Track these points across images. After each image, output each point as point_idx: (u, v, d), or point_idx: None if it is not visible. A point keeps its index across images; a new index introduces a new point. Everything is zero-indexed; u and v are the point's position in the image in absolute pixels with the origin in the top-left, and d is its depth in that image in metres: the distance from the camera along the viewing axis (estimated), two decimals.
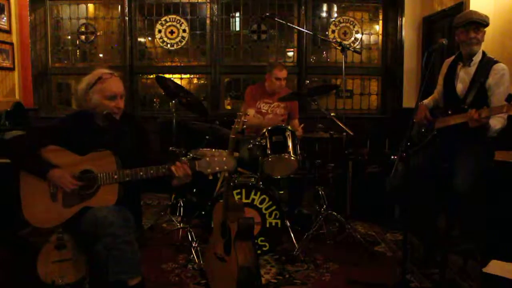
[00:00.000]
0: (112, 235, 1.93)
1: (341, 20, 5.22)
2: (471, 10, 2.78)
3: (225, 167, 2.08)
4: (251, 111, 3.71)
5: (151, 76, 5.18)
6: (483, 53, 2.71)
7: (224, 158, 2.08)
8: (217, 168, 2.07)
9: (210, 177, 2.13)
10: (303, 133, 3.48)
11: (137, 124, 2.37)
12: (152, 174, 2.09)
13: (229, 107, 5.34)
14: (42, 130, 2.25)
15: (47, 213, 2.08)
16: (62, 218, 2.08)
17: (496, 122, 2.51)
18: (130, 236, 2.00)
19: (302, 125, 3.55)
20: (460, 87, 2.75)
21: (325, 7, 5.28)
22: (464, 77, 2.75)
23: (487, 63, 2.66)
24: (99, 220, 1.97)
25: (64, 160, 2.11)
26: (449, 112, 2.69)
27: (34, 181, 2.09)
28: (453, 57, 2.88)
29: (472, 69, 2.70)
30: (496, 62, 2.66)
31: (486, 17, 2.65)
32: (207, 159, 2.08)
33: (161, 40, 5.17)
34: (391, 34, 5.18)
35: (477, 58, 2.70)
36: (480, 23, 2.62)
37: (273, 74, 3.74)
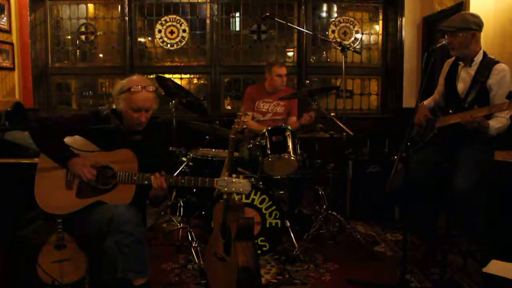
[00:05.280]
0: (126, 232, 1.94)
1: (341, 20, 5.21)
2: (456, 14, 2.75)
3: (241, 190, 2.12)
4: (249, 115, 3.70)
5: (151, 76, 5.16)
6: (484, 53, 2.71)
7: (242, 182, 2.12)
8: (233, 189, 2.12)
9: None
10: (312, 120, 3.48)
11: (159, 135, 2.40)
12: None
13: (229, 107, 5.34)
14: (71, 120, 2.31)
15: (59, 199, 2.09)
16: (72, 207, 2.09)
17: (496, 122, 2.52)
18: (143, 236, 2.02)
19: (311, 112, 3.54)
20: (461, 86, 2.75)
21: (325, 7, 5.28)
22: (465, 77, 2.75)
23: (488, 64, 2.65)
24: (115, 216, 1.97)
25: (87, 152, 2.14)
26: (450, 111, 2.70)
27: (51, 167, 2.11)
28: (454, 57, 2.88)
29: (473, 69, 2.70)
30: (497, 62, 2.65)
31: (463, 21, 2.61)
32: (226, 178, 2.12)
33: (161, 40, 5.17)
34: (391, 34, 5.17)
35: (478, 58, 2.69)
36: (446, 30, 2.64)
37: (273, 72, 3.75)
